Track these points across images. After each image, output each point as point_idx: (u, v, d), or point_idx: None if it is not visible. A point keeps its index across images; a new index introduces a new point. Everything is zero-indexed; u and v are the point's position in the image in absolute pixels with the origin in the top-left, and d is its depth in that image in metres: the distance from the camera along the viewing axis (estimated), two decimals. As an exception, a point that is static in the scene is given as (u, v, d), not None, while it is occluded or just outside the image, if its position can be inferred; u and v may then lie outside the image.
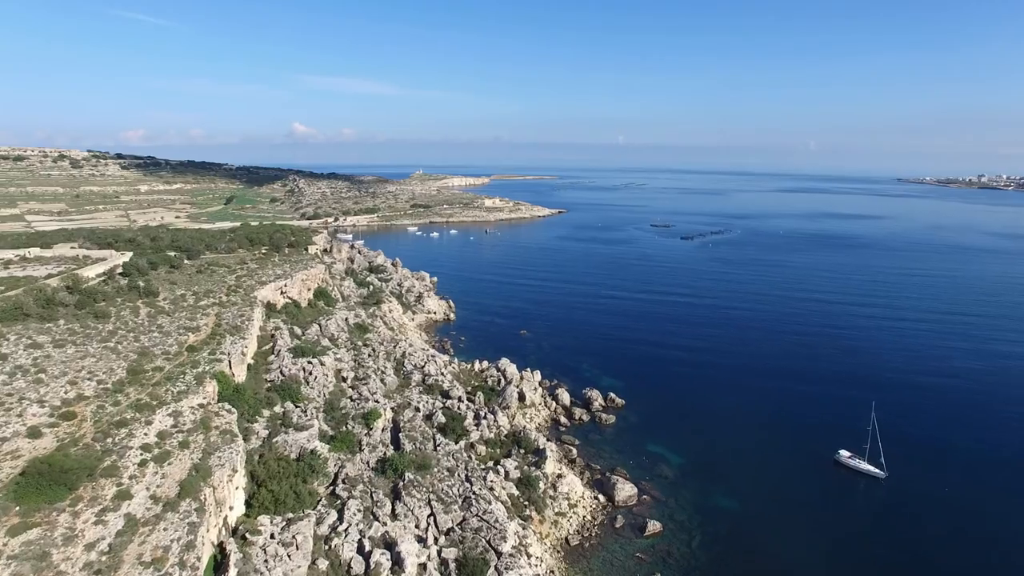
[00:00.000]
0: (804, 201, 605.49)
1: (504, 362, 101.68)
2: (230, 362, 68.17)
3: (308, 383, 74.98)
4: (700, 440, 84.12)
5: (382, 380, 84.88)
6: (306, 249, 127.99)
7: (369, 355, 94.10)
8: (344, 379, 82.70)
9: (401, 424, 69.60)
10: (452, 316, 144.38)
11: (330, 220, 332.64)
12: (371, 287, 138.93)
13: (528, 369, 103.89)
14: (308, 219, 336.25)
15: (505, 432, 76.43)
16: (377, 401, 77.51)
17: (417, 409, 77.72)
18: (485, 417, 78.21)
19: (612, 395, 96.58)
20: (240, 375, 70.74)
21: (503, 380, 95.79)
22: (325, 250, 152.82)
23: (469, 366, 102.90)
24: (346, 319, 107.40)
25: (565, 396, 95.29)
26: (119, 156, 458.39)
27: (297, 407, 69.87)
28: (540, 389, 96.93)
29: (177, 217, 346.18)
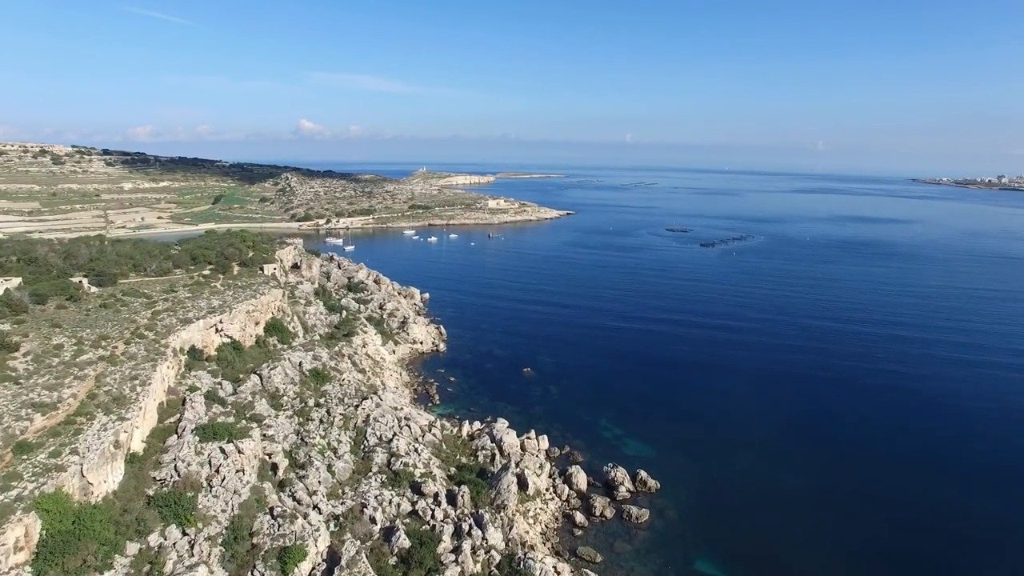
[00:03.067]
0: (823, 203, 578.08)
1: (500, 426, 78.14)
2: (83, 468, 45.02)
3: (212, 488, 51.67)
4: (774, 555, 60.36)
5: (330, 467, 61.59)
6: (262, 268, 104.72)
7: (320, 422, 70.80)
8: (275, 469, 59.44)
9: (340, 565, 46.14)
10: (442, 347, 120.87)
11: (321, 222, 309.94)
12: (344, 313, 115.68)
13: (532, 433, 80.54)
14: (298, 221, 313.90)
15: (497, 558, 52.91)
16: (316, 507, 54.32)
17: (372, 521, 54.38)
18: (470, 532, 54.74)
19: (643, 474, 72.91)
20: (106, 483, 47.62)
21: (498, 455, 72.24)
22: (294, 265, 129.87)
23: (455, 431, 79.34)
24: (300, 364, 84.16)
25: (581, 477, 71.68)
26: (106, 152, 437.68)
27: (185, 535, 46.70)
28: (548, 466, 73.40)
29: (159, 218, 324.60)
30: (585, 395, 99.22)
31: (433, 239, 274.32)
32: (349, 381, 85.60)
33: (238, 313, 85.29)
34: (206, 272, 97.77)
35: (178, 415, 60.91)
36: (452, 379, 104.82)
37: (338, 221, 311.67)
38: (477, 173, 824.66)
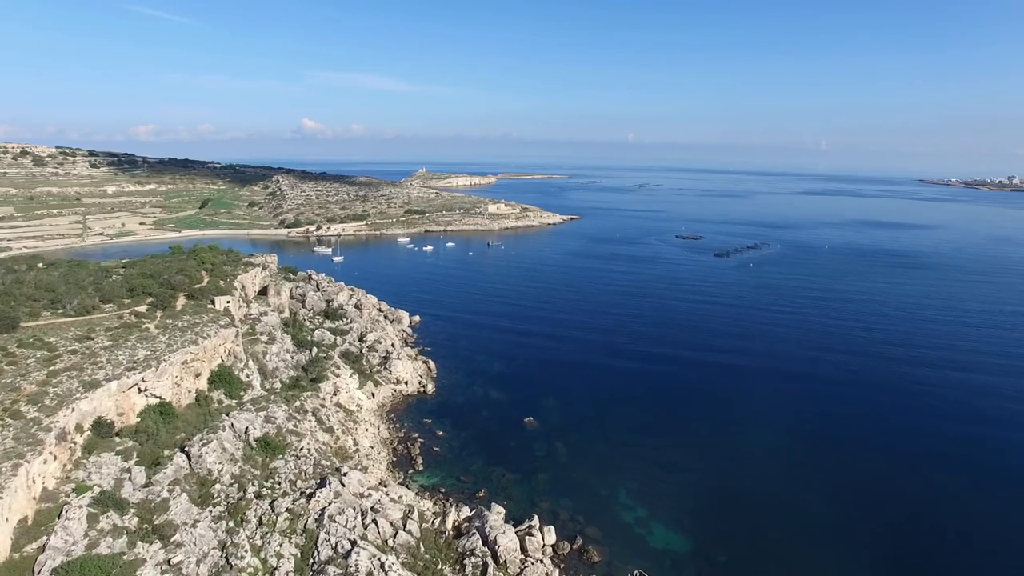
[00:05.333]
0: (834, 205, 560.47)
1: (494, 519, 61.05)
2: None
3: None
4: None
5: (257, 609, 44.58)
6: (213, 301, 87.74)
7: (259, 524, 53.88)
8: (176, 618, 42.50)
9: None
10: (430, 387, 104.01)
11: (312, 228, 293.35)
12: (315, 349, 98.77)
13: (536, 520, 63.78)
14: (287, 227, 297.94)
15: None
16: None
17: None
18: None
19: (679, 587, 56.07)
20: None
21: (491, 565, 55.25)
22: (262, 290, 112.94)
23: (438, 523, 62.29)
24: (246, 431, 67.30)
25: (600, 596, 54.77)
26: (91, 153, 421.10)
27: None
28: (556, 575, 56.46)
29: (141, 224, 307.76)
30: (598, 456, 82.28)
31: (429, 248, 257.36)
32: (309, 451, 68.74)
33: (171, 366, 68.36)
34: (141, 309, 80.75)
35: (45, 539, 44.07)
36: (440, 433, 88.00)
37: (329, 227, 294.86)
38: (478, 174, 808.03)
